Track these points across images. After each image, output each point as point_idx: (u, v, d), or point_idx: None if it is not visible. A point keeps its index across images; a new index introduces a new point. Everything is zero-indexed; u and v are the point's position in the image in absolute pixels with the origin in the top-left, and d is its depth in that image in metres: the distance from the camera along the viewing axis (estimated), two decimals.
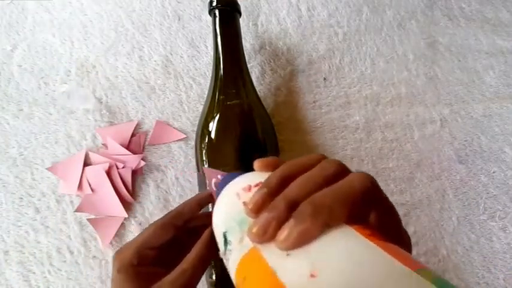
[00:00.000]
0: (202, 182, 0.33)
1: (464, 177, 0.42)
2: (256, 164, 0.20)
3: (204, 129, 0.33)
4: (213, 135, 0.32)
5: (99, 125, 0.39)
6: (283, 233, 0.13)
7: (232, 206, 0.18)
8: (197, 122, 0.36)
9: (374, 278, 0.11)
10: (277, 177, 0.17)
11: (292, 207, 0.14)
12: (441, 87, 0.45)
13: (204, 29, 0.43)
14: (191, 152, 0.39)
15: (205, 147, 0.32)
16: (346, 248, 0.13)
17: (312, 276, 0.11)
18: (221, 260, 0.28)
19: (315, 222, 0.13)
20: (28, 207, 0.36)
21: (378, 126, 0.43)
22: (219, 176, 0.27)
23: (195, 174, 0.38)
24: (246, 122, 0.33)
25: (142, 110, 0.40)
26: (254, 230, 0.14)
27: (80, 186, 0.36)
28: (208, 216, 0.27)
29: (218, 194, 0.20)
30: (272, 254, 0.13)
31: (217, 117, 0.32)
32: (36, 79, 0.40)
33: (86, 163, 0.37)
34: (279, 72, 0.43)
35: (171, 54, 0.42)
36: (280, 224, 0.14)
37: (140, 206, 0.37)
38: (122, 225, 0.36)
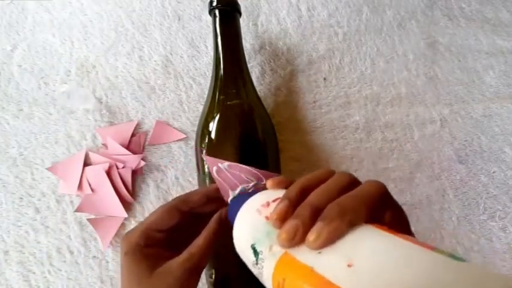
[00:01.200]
0: (202, 181, 0.33)
1: (464, 177, 0.42)
2: (269, 183, 0.21)
3: (204, 129, 0.33)
4: (213, 135, 0.32)
5: (99, 125, 0.39)
6: (313, 234, 0.15)
7: (256, 221, 0.19)
8: (197, 122, 0.36)
9: (404, 259, 0.12)
10: (296, 189, 0.18)
11: (315, 213, 0.16)
12: (441, 87, 0.45)
13: (204, 29, 0.43)
14: (191, 152, 0.39)
15: (206, 147, 0.32)
16: (373, 239, 0.14)
17: (349, 266, 0.13)
18: (221, 259, 0.28)
19: (342, 221, 0.15)
20: (28, 207, 0.36)
21: (378, 126, 0.43)
22: (219, 165, 0.28)
23: (195, 175, 0.38)
24: (246, 122, 0.33)
25: (142, 110, 0.40)
26: (283, 236, 0.16)
27: (80, 186, 0.36)
28: (214, 201, 0.27)
29: (232, 215, 0.22)
30: (304, 255, 0.15)
31: (217, 117, 0.32)
32: (36, 79, 0.40)
33: (86, 163, 0.37)
34: (279, 72, 0.43)
35: (171, 54, 0.42)
36: (306, 228, 0.15)
37: (140, 206, 0.37)
38: (122, 225, 0.36)
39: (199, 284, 0.37)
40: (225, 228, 0.26)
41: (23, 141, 0.38)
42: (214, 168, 0.28)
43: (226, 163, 0.28)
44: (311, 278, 0.13)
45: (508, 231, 0.41)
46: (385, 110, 0.43)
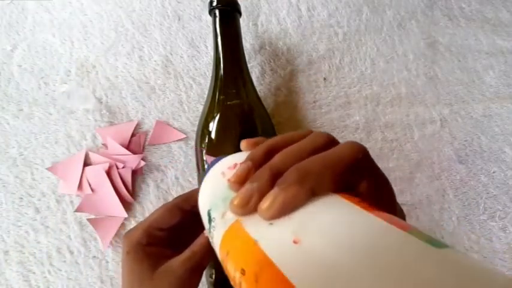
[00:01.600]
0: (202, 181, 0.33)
1: (464, 177, 0.42)
2: (243, 143, 0.19)
3: (204, 129, 0.33)
4: (213, 135, 0.32)
5: (99, 125, 0.39)
6: (266, 202, 0.13)
7: (217, 185, 0.17)
8: (197, 122, 0.36)
9: (360, 239, 0.10)
10: (262, 149, 0.16)
11: (275, 177, 0.14)
12: (441, 87, 0.45)
13: (204, 29, 0.43)
14: (191, 152, 0.39)
15: (206, 147, 0.32)
16: (332, 213, 0.12)
17: (295, 242, 0.11)
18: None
19: (301, 189, 0.12)
20: (28, 207, 0.36)
21: (378, 126, 0.43)
22: None
23: (195, 174, 0.38)
24: (246, 122, 0.33)
25: (142, 110, 0.40)
26: (236, 201, 0.14)
27: (80, 186, 0.36)
28: None
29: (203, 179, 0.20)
30: (254, 225, 0.13)
31: (217, 117, 0.32)
32: (36, 79, 0.40)
33: (86, 163, 0.37)
34: (279, 72, 0.43)
35: (171, 54, 0.42)
36: (263, 194, 0.13)
37: (140, 206, 0.37)
38: (122, 225, 0.36)
39: (200, 283, 0.37)
40: None
41: (23, 141, 0.38)
42: None
43: None
44: (251, 254, 0.11)
45: (508, 231, 0.41)
46: (385, 110, 0.43)
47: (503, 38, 0.48)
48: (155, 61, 0.42)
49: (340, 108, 0.43)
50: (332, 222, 0.11)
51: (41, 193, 0.37)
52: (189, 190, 0.27)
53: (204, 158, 0.32)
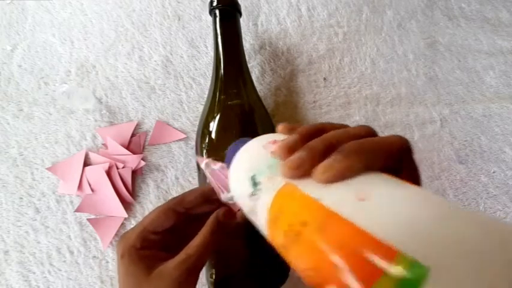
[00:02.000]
0: (202, 181, 0.33)
1: (464, 177, 0.42)
2: (280, 126, 0.20)
3: (204, 129, 0.33)
4: (213, 135, 0.32)
5: (99, 125, 0.39)
6: (323, 166, 0.13)
7: (259, 155, 0.18)
8: (197, 122, 0.36)
9: (419, 201, 0.11)
10: (310, 127, 0.17)
11: (328, 149, 0.15)
12: (441, 87, 0.45)
13: (204, 29, 0.43)
14: (191, 152, 0.39)
15: (206, 147, 0.32)
16: (387, 182, 0.13)
17: (361, 199, 0.11)
18: (222, 259, 0.28)
19: (358, 160, 0.13)
20: (28, 207, 0.36)
21: (378, 126, 0.42)
22: (212, 166, 0.28)
23: (195, 174, 0.38)
24: (246, 122, 0.33)
25: (142, 110, 0.40)
26: (288, 164, 0.14)
27: (80, 186, 0.36)
28: (211, 202, 0.26)
29: (231, 156, 0.20)
30: (311, 187, 0.13)
31: (218, 117, 0.32)
32: (36, 79, 0.40)
33: (86, 163, 0.37)
34: (279, 72, 0.43)
35: (171, 54, 0.42)
36: (315, 161, 0.14)
37: (140, 206, 0.37)
38: (122, 225, 0.36)
39: (199, 284, 0.37)
40: (222, 228, 0.25)
41: (23, 141, 0.38)
42: (208, 169, 0.28)
43: (219, 164, 0.27)
44: (314, 209, 0.12)
45: None
46: (385, 110, 0.43)
47: (503, 38, 0.48)
48: (155, 61, 0.42)
49: (340, 108, 0.43)
50: (388, 187, 0.12)
51: (41, 193, 0.37)
52: (185, 191, 0.27)
53: (197, 159, 0.32)
